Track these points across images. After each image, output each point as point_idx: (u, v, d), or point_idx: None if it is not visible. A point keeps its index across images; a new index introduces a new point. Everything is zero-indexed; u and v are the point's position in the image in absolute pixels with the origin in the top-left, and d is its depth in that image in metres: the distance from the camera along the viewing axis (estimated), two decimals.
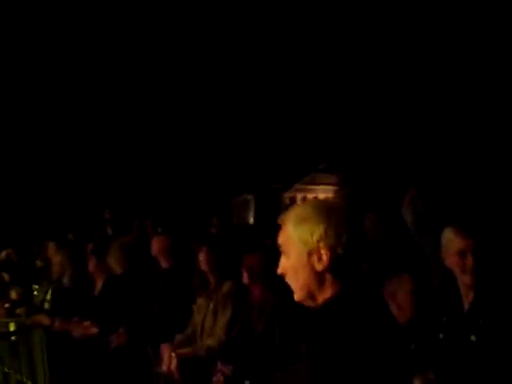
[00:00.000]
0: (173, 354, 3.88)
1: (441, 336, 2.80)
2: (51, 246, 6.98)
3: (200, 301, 4.19)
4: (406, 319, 3.09)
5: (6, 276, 8.12)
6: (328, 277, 1.82)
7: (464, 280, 2.81)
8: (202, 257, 4.11)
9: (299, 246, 1.84)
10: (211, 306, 3.98)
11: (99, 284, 5.59)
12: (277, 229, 2.00)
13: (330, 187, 34.91)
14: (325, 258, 1.80)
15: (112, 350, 4.78)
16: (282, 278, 1.93)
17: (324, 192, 35.08)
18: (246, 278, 3.70)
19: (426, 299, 3.14)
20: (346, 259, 1.81)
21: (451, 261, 2.88)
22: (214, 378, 3.48)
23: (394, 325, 1.87)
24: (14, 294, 7.39)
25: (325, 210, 1.86)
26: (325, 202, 2.03)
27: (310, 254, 1.82)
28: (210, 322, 3.96)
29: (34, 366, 6.05)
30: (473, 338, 2.67)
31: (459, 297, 2.86)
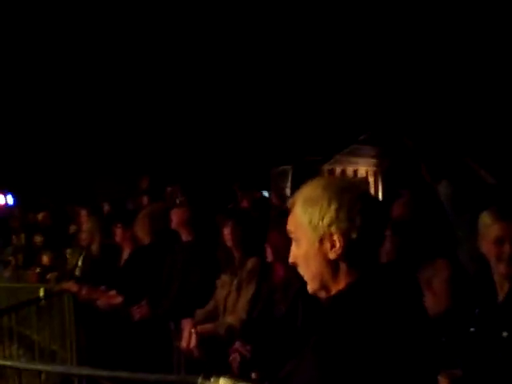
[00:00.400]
0: (192, 331, 3.79)
1: (472, 329, 2.59)
2: (83, 212, 6.96)
3: (224, 277, 4.07)
4: (442, 308, 2.88)
5: (38, 239, 8.20)
6: (342, 265, 1.63)
7: (500, 269, 2.60)
8: (227, 231, 3.96)
9: (309, 232, 1.65)
10: (235, 282, 3.85)
11: (126, 253, 5.54)
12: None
13: (372, 159, 34.27)
14: (338, 244, 1.61)
15: (135, 321, 4.74)
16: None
17: (365, 164, 34.50)
18: (270, 256, 3.55)
19: (463, 288, 2.93)
20: (361, 245, 1.62)
21: (487, 248, 2.66)
22: (231, 357, 3.37)
23: (419, 317, 1.68)
24: (45, 259, 7.47)
25: (336, 189, 1.66)
26: (336, 179, 1.82)
27: (321, 241, 1.63)
28: (233, 298, 3.84)
29: (62, 332, 6.14)
30: (504, 334, 2.45)
31: (494, 287, 2.64)
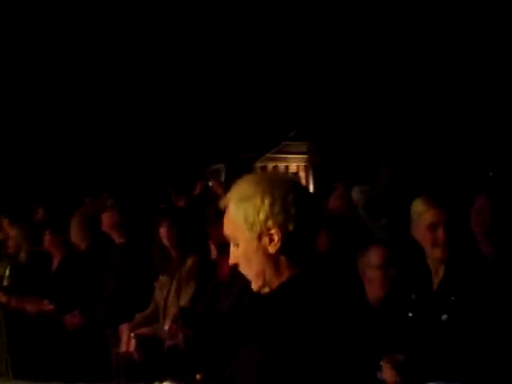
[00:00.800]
0: (131, 335, 3.69)
1: (410, 315, 2.64)
2: (5, 221, 6.66)
3: (162, 278, 3.98)
4: (378, 295, 2.92)
5: None
6: (283, 259, 1.62)
7: (435, 254, 2.66)
8: (163, 231, 3.87)
9: (246, 230, 1.62)
10: (174, 283, 3.77)
11: (56, 260, 5.33)
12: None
13: (302, 156, 34.76)
14: (276, 237, 1.59)
15: (68, 330, 4.57)
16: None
17: (295, 161, 34.92)
18: (214, 252, 3.48)
19: (398, 273, 2.99)
20: (299, 236, 1.61)
21: (421, 234, 2.71)
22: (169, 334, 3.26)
23: (360, 305, 1.70)
24: None
25: (267, 184, 1.64)
26: (266, 174, 1.80)
27: (259, 237, 1.61)
28: (173, 299, 3.75)
29: None
30: (444, 316, 2.52)
31: (429, 273, 2.71)
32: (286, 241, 1.59)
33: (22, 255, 5.78)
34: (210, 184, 7.11)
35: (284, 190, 1.62)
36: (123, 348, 3.74)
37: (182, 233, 3.80)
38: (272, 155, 31.10)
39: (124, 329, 3.92)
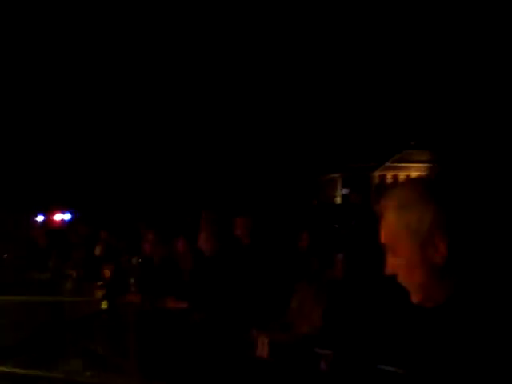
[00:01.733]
0: (265, 341, 3.70)
1: None
2: (141, 224, 7.05)
3: (300, 285, 3.96)
4: None
5: (98, 252, 8.33)
6: (448, 270, 1.50)
7: None
8: (304, 240, 3.86)
9: (408, 238, 1.52)
10: (312, 291, 3.73)
11: (189, 264, 5.52)
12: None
13: (424, 165, 33.44)
14: (442, 247, 1.48)
15: (202, 332, 4.71)
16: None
17: (417, 170, 33.68)
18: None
19: None
20: (466, 247, 1.48)
21: None
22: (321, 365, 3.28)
23: None
24: (106, 272, 7.55)
25: (433, 189, 1.53)
26: (430, 179, 1.68)
27: (423, 246, 1.50)
28: (308, 306, 3.72)
29: (126, 345, 6.16)
30: None
31: None
32: (453, 251, 1.48)
33: (156, 259, 6.07)
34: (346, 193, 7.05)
35: (451, 197, 1.51)
36: (257, 353, 3.75)
37: (323, 244, 3.77)
38: (392, 164, 30.24)
39: (256, 333, 3.95)
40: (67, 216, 16.16)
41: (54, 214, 16.31)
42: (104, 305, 6.85)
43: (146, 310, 5.67)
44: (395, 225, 1.54)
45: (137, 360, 5.87)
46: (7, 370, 3.36)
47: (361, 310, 3.23)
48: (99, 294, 7.23)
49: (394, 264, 1.58)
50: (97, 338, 6.55)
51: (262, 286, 4.31)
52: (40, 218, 16.20)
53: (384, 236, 1.60)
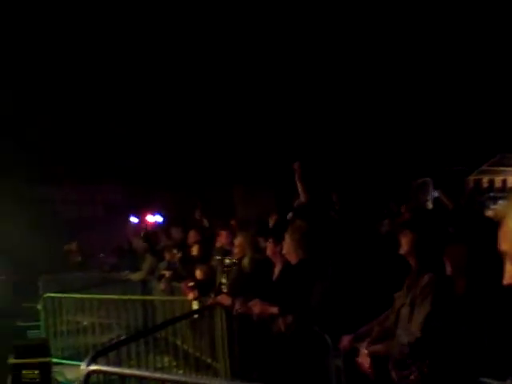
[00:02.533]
0: (365, 351, 3.58)
1: None
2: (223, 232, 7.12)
3: (401, 291, 3.80)
4: None
5: (195, 250, 8.48)
6: None
7: None
8: (405, 241, 3.68)
9: None
10: (409, 297, 3.57)
11: (277, 268, 5.49)
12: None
13: None
14: None
15: (289, 335, 4.66)
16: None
17: None
18: (449, 269, 3.24)
19: None
20: None
21: None
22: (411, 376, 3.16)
23: None
24: (198, 273, 7.68)
25: None
26: None
27: None
28: (405, 313, 3.56)
29: (215, 344, 6.25)
30: None
31: None
32: None
33: (246, 261, 6.08)
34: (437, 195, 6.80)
35: None
36: (360, 363, 3.64)
37: (424, 245, 3.59)
38: (487, 168, 29.00)
39: (345, 339, 3.87)
40: (159, 218, 16.67)
41: (147, 216, 16.88)
42: (195, 305, 7.00)
43: (235, 311, 5.67)
44: None
45: (226, 360, 5.94)
46: (100, 367, 3.45)
47: (469, 319, 3.06)
48: (190, 294, 7.39)
49: None
50: (187, 338, 6.71)
51: (357, 292, 4.21)
52: (134, 220, 16.83)
53: (503, 243, 1.47)
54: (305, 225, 5.46)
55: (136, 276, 10.04)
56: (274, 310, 4.92)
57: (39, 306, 8.25)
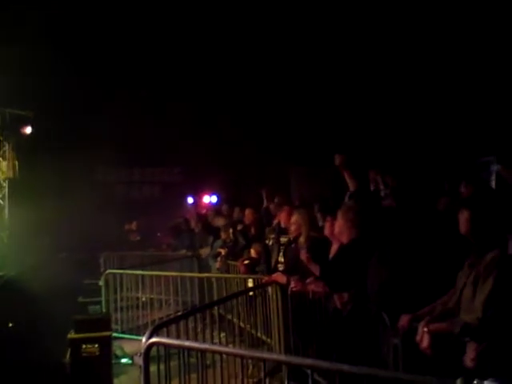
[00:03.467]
0: (425, 329, 3.49)
1: None
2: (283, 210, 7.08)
3: (464, 269, 3.68)
4: None
5: (251, 228, 8.55)
6: None
7: None
8: (463, 219, 3.56)
9: None
10: (472, 275, 3.45)
11: (335, 247, 5.43)
12: None
13: None
14: None
15: (344, 312, 4.64)
16: None
17: None
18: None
19: None
20: None
21: None
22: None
23: None
24: (253, 252, 7.73)
25: None
26: None
27: None
28: (468, 292, 3.43)
29: (269, 322, 6.28)
30: None
31: None
32: None
33: (301, 240, 6.06)
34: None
35: None
36: (419, 342, 3.55)
37: (483, 223, 3.45)
38: None
39: (405, 318, 3.79)
40: (214, 199, 16.84)
41: (203, 197, 17.08)
42: (250, 283, 7.05)
43: (290, 290, 5.67)
44: None
45: (281, 337, 5.96)
46: (161, 340, 3.51)
47: None
48: (246, 272, 7.45)
49: None
50: (242, 315, 6.77)
51: (416, 272, 4.11)
52: (190, 201, 17.07)
53: None
54: (356, 205, 5.40)
55: (204, 251, 10.20)
56: (325, 289, 4.92)
57: (101, 282, 8.49)
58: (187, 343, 3.66)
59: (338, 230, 5.14)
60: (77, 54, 13.13)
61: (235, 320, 6.67)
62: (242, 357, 3.57)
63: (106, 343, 6.15)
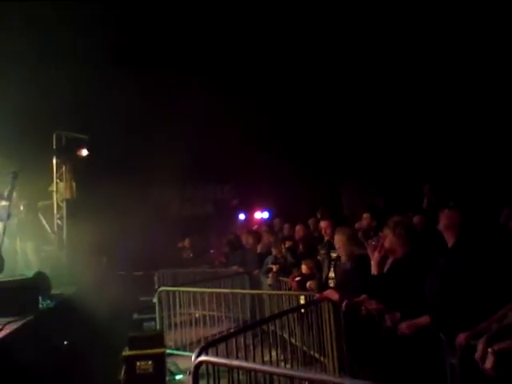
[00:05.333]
0: (489, 350, 3.32)
1: None
2: (328, 223, 7.07)
3: None
4: None
5: (301, 244, 8.52)
6: None
7: None
8: None
9: None
10: None
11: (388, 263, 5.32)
12: None
13: None
14: None
15: (399, 332, 4.51)
16: None
17: None
18: None
19: None
20: None
21: None
22: None
23: None
24: (305, 268, 7.66)
25: None
26: None
27: None
28: None
29: (323, 339, 6.18)
30: None
31: None
32: None
33: (342, 258, 6.03)
34: None
35: None
36: (479, 361, 3.38)
37: None
38: None
39: (462, 337, 3.65)
40: (266, 214, 16.88)
41: (254, 213, 17.14)
42: (302, 299, 6.98)
43: (343, 307, 5.59)
44: None
45: (334, 355, 5.85)
46: (209, 358, 3.52)
47: None
48: (297, 288, 7.38)
49: None
50: (295, 332, 6.70)
51: (469, 285, 3.97)
52: (242, 217, 17.15)
53: None
54: (405, 219, 5.30)
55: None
56: (380, 306, 4.82)
57: (155, 300, 8.61)
58: (236, 362, 3.65)
59: (388, 245, 5.05)
60: (131, 77, 13.48)
61: (287, 337, 6.62)
62: (291, 377, 3.52)
63: (159, 360, 6.22)
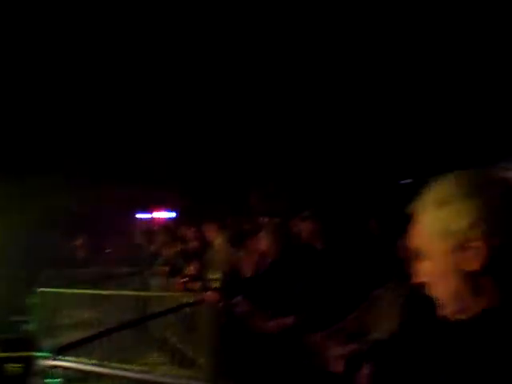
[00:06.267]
0: (338, 354, 3.41)
1: None
2: (212, 227, 7.12)
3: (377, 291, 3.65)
4: None
5: (190, 250, 8.48)
6: (485, 279, 1.28)
7: None
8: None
9: (443, 241, 1.31)
10: (388, 298, 3.40)
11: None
12: None
13: None
14: (480, 252, 1.26)
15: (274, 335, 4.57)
16: None
17: None
18: None
19: None
20: (507, 252, 1.26)
21: None
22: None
23: None
24: (191, 269, 7.64)
25: (475, 186, 1.31)
26: (472, 173, 1.39)
27: (459, 250, 1.29)
28: (384, 316, 3.40)
29: (202, 341, 6.14)
30: None
31: None
32: (492, 256, 1.26)
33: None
34: None
35: (495, 196, 1.29)
36: (331, 367, 3.44)
37: None
38: None
39: (331, 347, 3.71)
40: (171, 215, 16.79)
41: (156, 213, 16.97)
42: (185, 300, 6.93)
43: (221, 308, 5.61)
44: (429, 225, 1.34)
45: (210, 357, 5.83)
46: (60, 363, 3.39)
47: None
48: (182, 290, 7.34)
49: (428, 270, 1.36)
50: (176, 333, 6.62)
51: (334, 291, 4.07)
52: (141, 216, 16.91)
53: (414, 238, 1.39)
54: (281, 222, 5.44)
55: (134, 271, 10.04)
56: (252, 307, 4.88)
57: (34, 301, 8.25)
58: (88, 367, 3.53)
59: (264, 247, 5.15)
60: None
61: (168, 338, 6.56)
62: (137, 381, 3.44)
63: (29, 363, 5.97)
